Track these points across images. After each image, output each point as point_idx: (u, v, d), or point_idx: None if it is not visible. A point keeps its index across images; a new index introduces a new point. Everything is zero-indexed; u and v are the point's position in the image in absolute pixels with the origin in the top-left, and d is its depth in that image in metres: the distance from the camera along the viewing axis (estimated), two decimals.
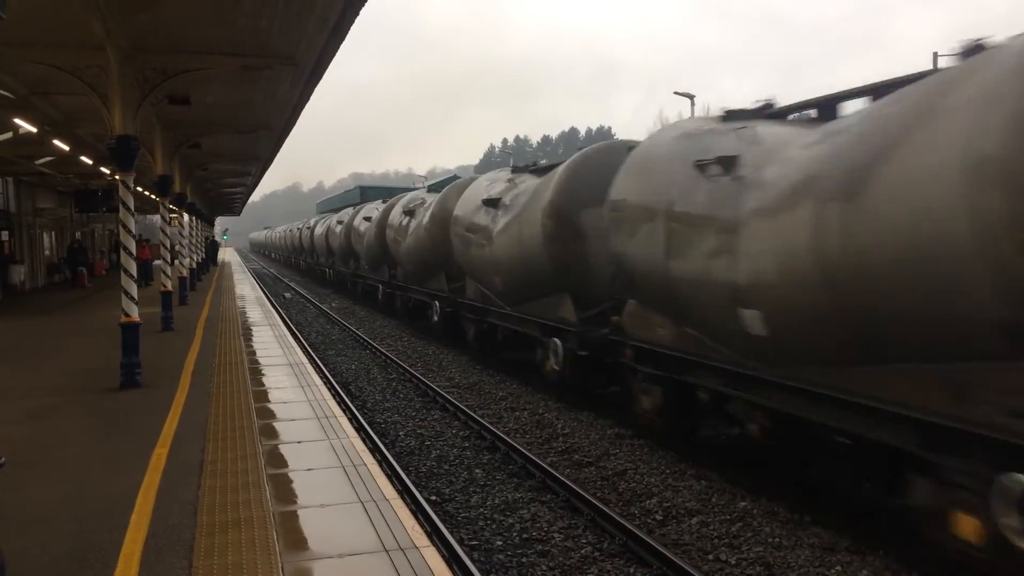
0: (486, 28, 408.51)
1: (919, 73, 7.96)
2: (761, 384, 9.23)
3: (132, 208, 12.23)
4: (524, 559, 8.07)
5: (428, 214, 22.72)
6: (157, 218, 23.43)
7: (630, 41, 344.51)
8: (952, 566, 7.31)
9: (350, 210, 41.18)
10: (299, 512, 6.70)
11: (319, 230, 49.77)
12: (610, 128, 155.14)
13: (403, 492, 9.24)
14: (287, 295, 42.80)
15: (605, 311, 13.36)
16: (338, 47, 12.78)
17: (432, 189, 29.43)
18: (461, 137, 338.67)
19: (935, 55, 28.51)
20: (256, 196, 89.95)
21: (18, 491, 6.95)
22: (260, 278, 54.40)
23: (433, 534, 8.06)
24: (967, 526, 6.65)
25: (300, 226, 64.89)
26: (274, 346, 16.64)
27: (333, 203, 72.58)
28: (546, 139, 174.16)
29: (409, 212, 25.36)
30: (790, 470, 9.93)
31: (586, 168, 14.24)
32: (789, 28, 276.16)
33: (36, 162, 25.31)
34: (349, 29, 11.74)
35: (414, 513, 7.28)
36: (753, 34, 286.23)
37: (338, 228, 40.44)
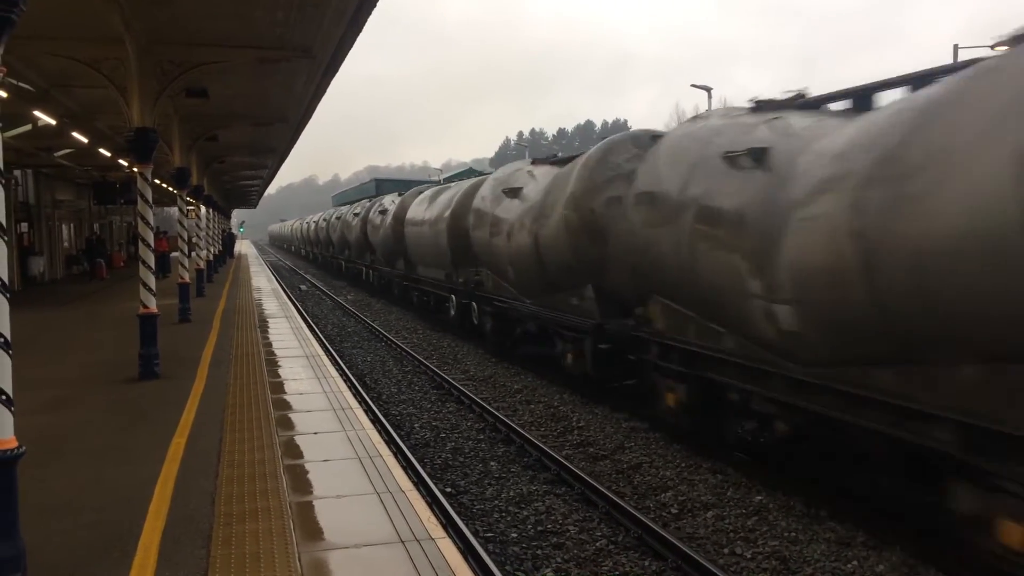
0: (503, 21, 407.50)
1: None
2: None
3: (150, 200, 12.31)
4: (539, 551, 8.08)
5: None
6: (175, 210, 23.57)
7: (647, 34, 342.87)
8: (968, 562, 7.27)
9: (520, 163, 20.40)
10: (315, 503, 6.73)
11: (421, 213, 25.57)
12: (626, 121, 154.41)
13: (418, 484, 9.26)
14: (303, 287, 42.99)
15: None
16: (355, 40, 12.81)
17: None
18: (476, 130, 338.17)
19: (955, 48, 28.30)
20: (272, 189, 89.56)
21: (39, 480, 7.02)
22: (277, 271, 54.65)
23: (448, 526, 8.07)
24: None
25: (359, 211, 39.43)
26: (290, 338, 16.72)
27: (349, 196, 72.65)
28: (562, 132, 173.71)
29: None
30: (807, 465, 9.87)
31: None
32: (806, 21, 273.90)
33: (55, 154, 25.52)
34: (366, 22, 11.76)
35: (429, 505, 7.31)
36: (770, 27, 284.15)
37: (484, 203, 19.10)
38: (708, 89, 38.71)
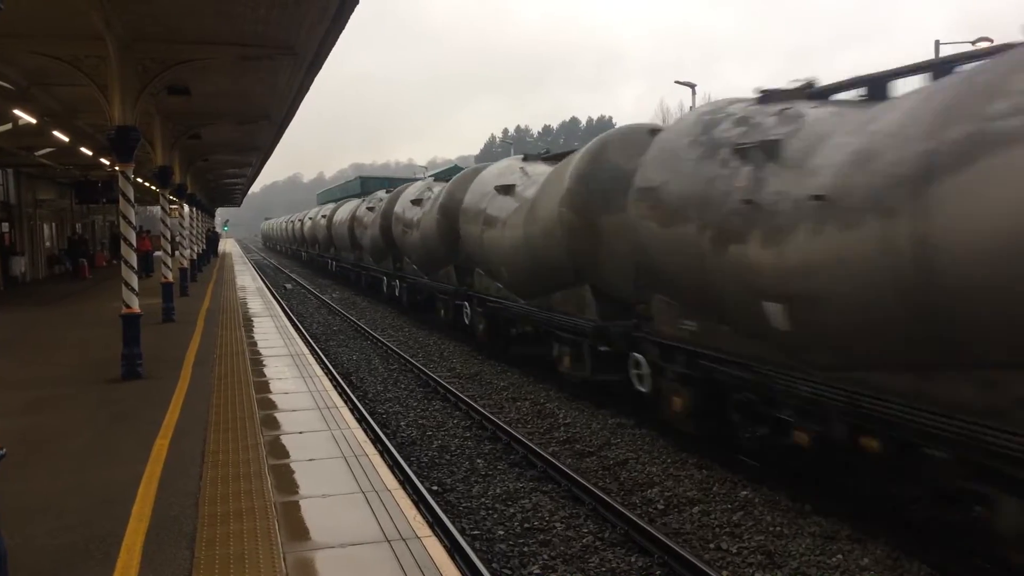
0: (490, 17, 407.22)
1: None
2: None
3: (132, 199, 12.22)
4: (526, 548, 8.08)
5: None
6: (157, 209, 23.44)
7: (636, 31, 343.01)
8: (951, 555, 7.33)
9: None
10: (301, 502, 6.70)
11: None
12: (611, 118, 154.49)
13: (404, 482, 9.25)
14: (288, 286, 42.78)
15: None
16: (338, 36, 12.74)
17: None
18: (462, 127, 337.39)
19: (936, 43, 28.49)
20: (256, 187, 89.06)
21: (20, 482, 6.96)
22: (261, 269, 54.40)
23: (435, 524, 8.07)
24: None
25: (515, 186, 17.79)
26: (275, 337, 16.64)
27: (334, 194, 72.43)
28: (547, 129, 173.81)
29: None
30: (796, 463, 9.90)
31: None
32: (795, 17, 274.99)
33: (36, 153, 25.28)
34: (349, 18, 11.71)
35: (416, 503, 7.29)
36: (759, 22, 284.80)
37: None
38: (692, 86, 38.88)
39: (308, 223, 57.44)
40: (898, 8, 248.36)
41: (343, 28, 12.21)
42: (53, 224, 38.74)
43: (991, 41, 22.62)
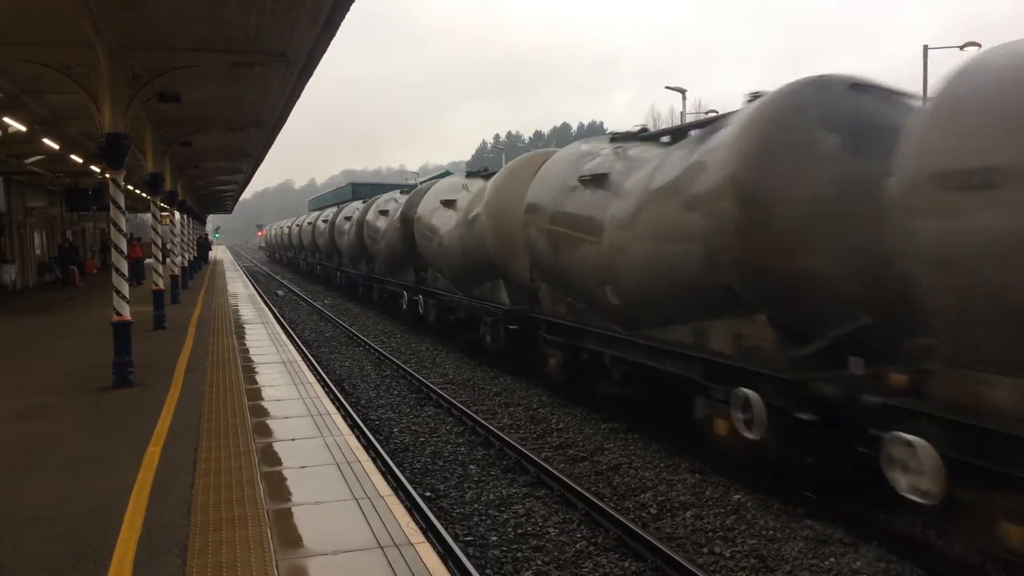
0: (484, 22, 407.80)
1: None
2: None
3: (123, 206, 12.17)
4: (519, 554, 8.08)
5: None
6: (148, 216, 23.34)
7: (630, 37, 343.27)
8: (942, 558, 7.36)
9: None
10: (293, 510, 6.68)
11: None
12: (602, 123, 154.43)
13: (397, 489, 9.24)
14: (280, 292, 42.66)
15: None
16: (329, 42, 12.74)
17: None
18: (454, 132, 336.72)
19: (925, 48, 28.67)
20: (247, 194, 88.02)
21: (11, 491, 6.93)
22: (253, 276, 54.24)
23: (428, 530, 8.06)
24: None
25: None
26: (267, 344, 16.59)
27: (325, 200, 72.30)
28: (538, 134, 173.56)
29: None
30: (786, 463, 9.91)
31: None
32: (788, 21, 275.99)
33: (26, 161, 25.18)
34: (340, 24, 11.69)
35: (409, 510, 7.27)
36: (753, 27, 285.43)
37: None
38: (682, 91, 39.07)
39: (419, 216, 24.67)
40: (892, 11, 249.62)
41: (334, 34, 12.21)
42: (43, 232, 38.57)
43: (979, 46, 22.64)
